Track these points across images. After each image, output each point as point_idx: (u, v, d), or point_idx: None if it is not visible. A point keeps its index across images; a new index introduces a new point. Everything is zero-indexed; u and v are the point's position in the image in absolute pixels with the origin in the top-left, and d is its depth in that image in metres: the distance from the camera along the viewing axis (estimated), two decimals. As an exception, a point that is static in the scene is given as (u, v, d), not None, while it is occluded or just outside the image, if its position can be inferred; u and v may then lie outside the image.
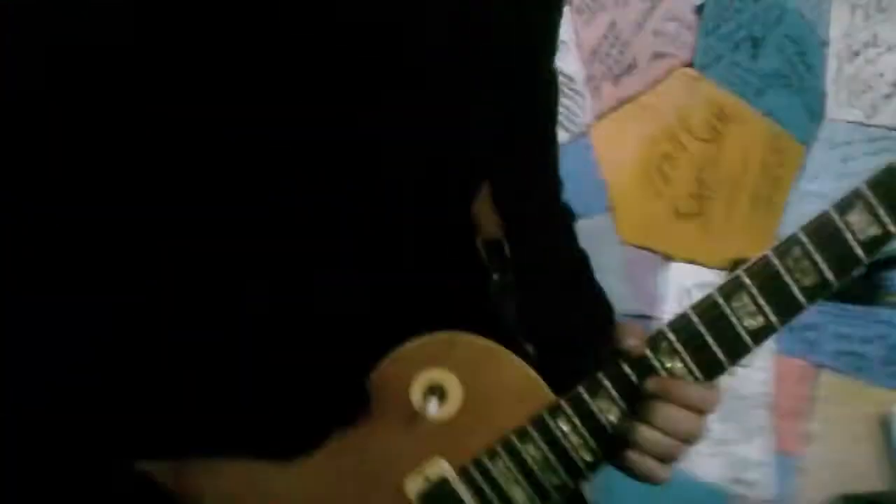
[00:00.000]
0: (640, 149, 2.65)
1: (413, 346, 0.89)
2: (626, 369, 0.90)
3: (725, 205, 2.53)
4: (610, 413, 0.89)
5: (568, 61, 2.68)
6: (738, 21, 2.48)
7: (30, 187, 0.80)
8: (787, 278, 0.91)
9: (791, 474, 2.46)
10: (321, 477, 0.88)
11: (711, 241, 2.54)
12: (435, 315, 0.90)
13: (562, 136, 2.73)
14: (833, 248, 0.91)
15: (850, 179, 2.29)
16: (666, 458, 0.92)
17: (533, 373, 0.92)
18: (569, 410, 0.89)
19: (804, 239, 0.91)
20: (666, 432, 0.90)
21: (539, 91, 1.07)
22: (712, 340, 0.90)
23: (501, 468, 0.89)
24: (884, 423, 2.39)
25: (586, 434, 0.90)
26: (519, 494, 0.89)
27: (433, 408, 0.88)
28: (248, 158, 0.83)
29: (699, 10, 2.51)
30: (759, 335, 0.92)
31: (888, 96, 2.35)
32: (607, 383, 0.90)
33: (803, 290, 0.91)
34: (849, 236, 0.91)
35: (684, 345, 0.90)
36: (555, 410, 0.90)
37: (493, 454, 0.89)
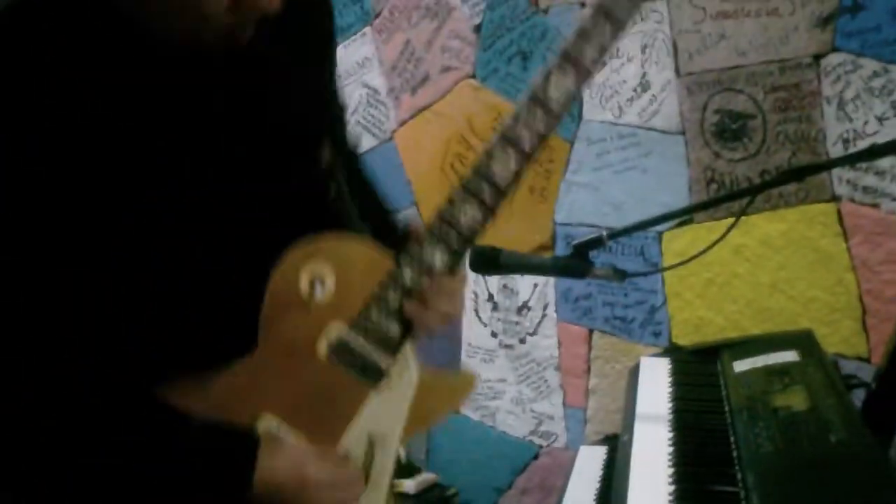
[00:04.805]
0: (436, 150, 2.90)
1: (288, 255, 1.08)
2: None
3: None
4: (435, 257, 1.11)
5: (373, 76, 3.04)
6: (509, 38, 2.64)
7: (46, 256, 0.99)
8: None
9: (580, 424, 2.62)
10: (261, 364, 1.09)
11: (498, 228, 2.64)
12: (302, 224, 1.10)
13: (371, 141, 3.05)
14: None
15: (606, 170, 2.52)
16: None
17: (376, 247, 1.13)
18: (406, 262, 1.11)
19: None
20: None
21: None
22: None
23: (377, 313, 1.11)
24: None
25: (423, 274, 1.11)
26: (393, 327, 1.11)
27: (319, 292, 1.09)
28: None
29: (477, 28, 2.70)
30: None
31: (630, 100, 2.46)
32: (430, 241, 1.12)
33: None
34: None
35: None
36: (398, 265, 1.11)
37: (368, 306, 1.11)
